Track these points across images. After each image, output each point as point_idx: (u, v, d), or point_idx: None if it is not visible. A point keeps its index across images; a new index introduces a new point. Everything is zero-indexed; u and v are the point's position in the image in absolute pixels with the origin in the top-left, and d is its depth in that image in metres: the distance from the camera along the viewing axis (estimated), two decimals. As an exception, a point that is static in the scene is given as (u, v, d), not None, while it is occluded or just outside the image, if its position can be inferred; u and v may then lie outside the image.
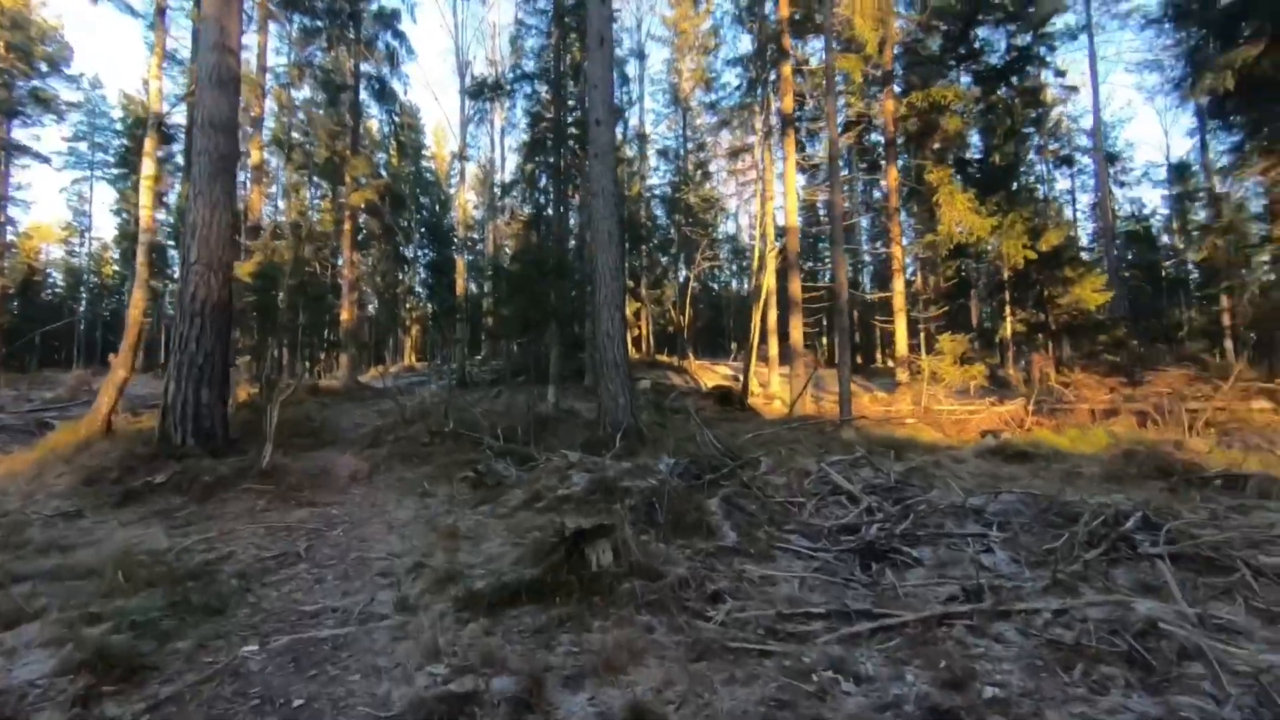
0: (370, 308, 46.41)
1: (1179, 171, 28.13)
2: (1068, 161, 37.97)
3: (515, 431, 10.74)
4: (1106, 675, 2.78)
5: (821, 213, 34.11)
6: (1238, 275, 17.49)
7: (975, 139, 22.28)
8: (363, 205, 27.15)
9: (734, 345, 42.37)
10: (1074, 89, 34.56)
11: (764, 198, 20.47)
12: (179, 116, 21.64)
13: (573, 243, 28.85)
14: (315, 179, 32.89)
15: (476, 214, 46.32)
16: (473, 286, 40.65)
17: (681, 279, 39.39)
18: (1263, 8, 12.86)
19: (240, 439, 9.52)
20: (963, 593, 3.76)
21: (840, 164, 13.88)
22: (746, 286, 46.79)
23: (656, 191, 41.77)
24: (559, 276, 12.58)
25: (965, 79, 17.13)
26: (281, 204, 40.06)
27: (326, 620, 4.03)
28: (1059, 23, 28.59)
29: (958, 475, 7.55)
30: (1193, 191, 44.68)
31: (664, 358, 31.20)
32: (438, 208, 49.20)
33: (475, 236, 41.42)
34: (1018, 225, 15.53)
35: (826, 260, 35.94)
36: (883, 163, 26.60)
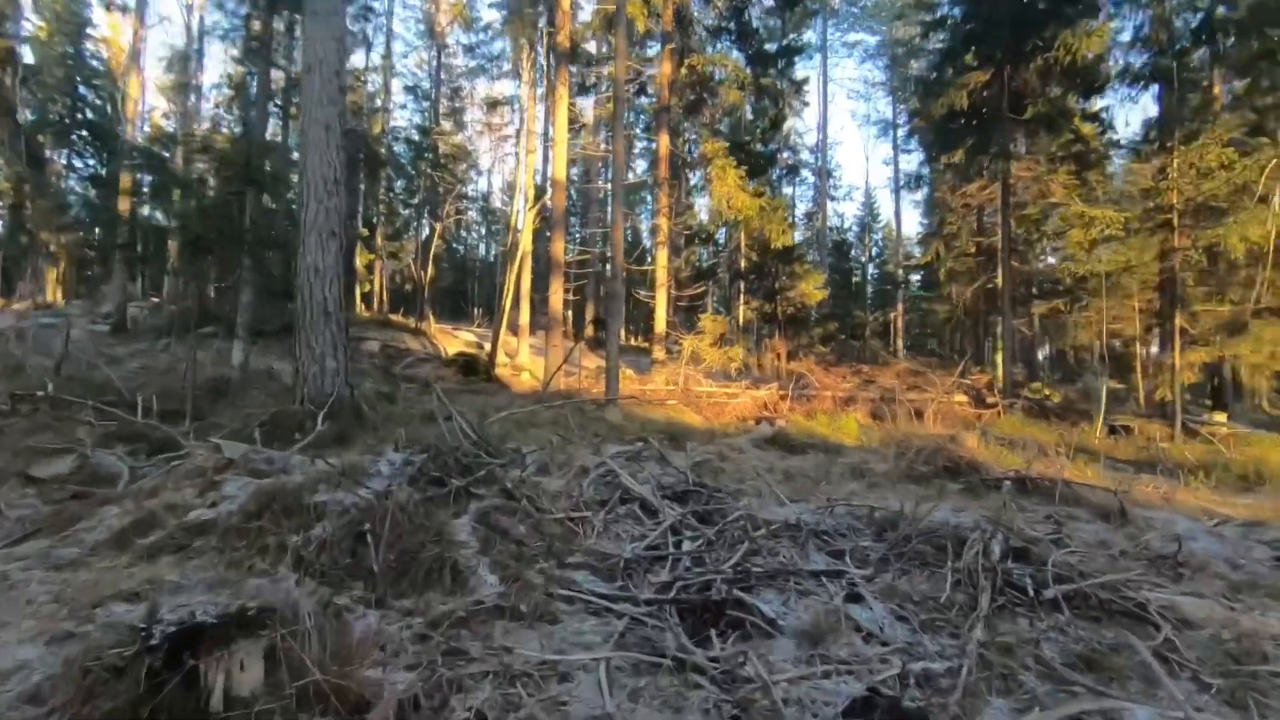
0: (-13, 222, 34.65)
1: (915, 182, 31.92)
2: (794, 170, 41.97)
3: (179, 403, 7.52)
4: None
5: (576, 176, 32.97)
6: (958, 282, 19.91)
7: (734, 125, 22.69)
8: (-36, 71, 19.49)
9: (478, 311, 39.80)
10: (806, 104, 37.93)
11: (527, 148, 18.45)
12: None
13: (296, 177, 23.84)
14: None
15: (167, 125, 37.18)
16: (160, 215, 32.13)
17: (425, 234, 35.52)
18: (983, 40, 14.26)
19: None
20: (877, 698, 2.37)
21: (623, 113, 12.49)
22: (495, 250, 44.19)
23: (401, 134, 37.21)
24: (255, 184, 9.27)
25: (739, 58, 16.97)
26: None
27: None
28: (802, 39, 30.84)
29: (744, 470, 6.54)
30: (876, 211, 52.76)
31: (399, 318, 27.59)
32: (109, 109, 38.36)
33: (165, 154, 32.95)
34: (780, 210, 15.72)
35: (575, 232, 34.99)
36: (641, 131, 26.17)
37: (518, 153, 20.43)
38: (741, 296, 28.88)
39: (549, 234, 14.77)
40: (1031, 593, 3.25)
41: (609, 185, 23.41)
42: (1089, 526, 4.65)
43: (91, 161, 35.04)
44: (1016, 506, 5.00)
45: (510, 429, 7.25)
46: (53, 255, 38.11)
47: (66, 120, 33.03)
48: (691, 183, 28.25)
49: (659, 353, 15.91)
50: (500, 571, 3.45)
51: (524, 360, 20.14)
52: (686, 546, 4.04)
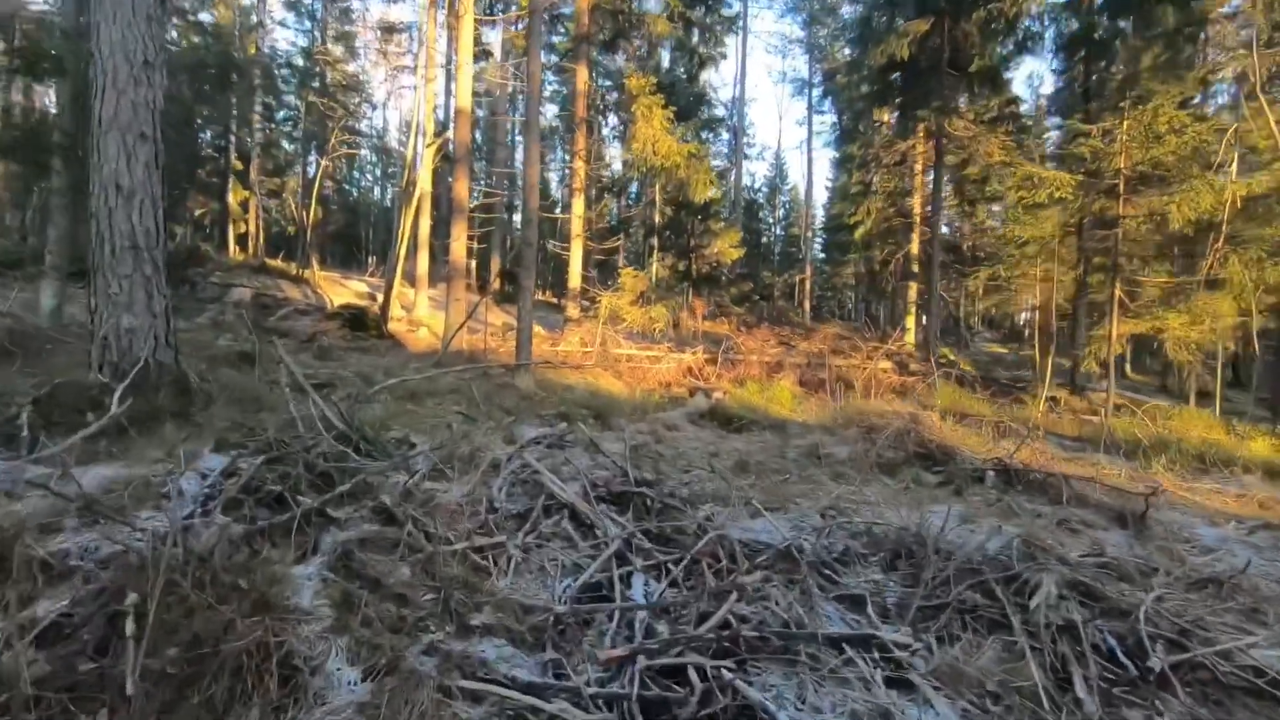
0: None
1: (843, 138, 31.42)
2: (710, 125, 40.87)
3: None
4: None
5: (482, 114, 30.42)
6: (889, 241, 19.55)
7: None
8: None
9: (372, 259, 36.80)
10: (724, 55, 36.55)
11: (426, 77, 16.28)
12: None
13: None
14: None
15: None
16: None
17: (314, 172, 32.04)
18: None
19: None
20: None
21: (539, 27, 10.71)
22: (392, 194, 40.77)
23: (283, 57, 33.24)
24: (60, 74, 7.07)
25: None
26: None
27: None
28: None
29: (689, 456, 5.50)
30: (785, 173, 52.96)
31: (279, 264, 24.61)
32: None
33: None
34: (706, 160, 14.59)
35: (480, 179, 32.44)
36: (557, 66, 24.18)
37: (416, 84, 18.13)
38: (655, 253, 27.85)
39: (451, 176, 13.00)
40: (1129, 664, 2.35)
41: (520, 119, 21.27)
42: (1110, 536, 3.91)
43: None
44: (1017, 508, 4.20)
45: (400, 405, 5.85)
46: None
47: None
48: (604, 131, 26.56)
49: (573, 310, 14.61)
50: (366, 658, 2.20)
51: (422, 314, 18.26)
52: (639, 587, 2.93)
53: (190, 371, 4.64)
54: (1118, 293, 9.61)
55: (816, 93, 42.89)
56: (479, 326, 14.27)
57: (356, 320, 13.67)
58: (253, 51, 29.98)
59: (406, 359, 11.37)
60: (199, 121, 27.63)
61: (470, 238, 14.33)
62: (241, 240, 29.16)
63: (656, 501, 3.91)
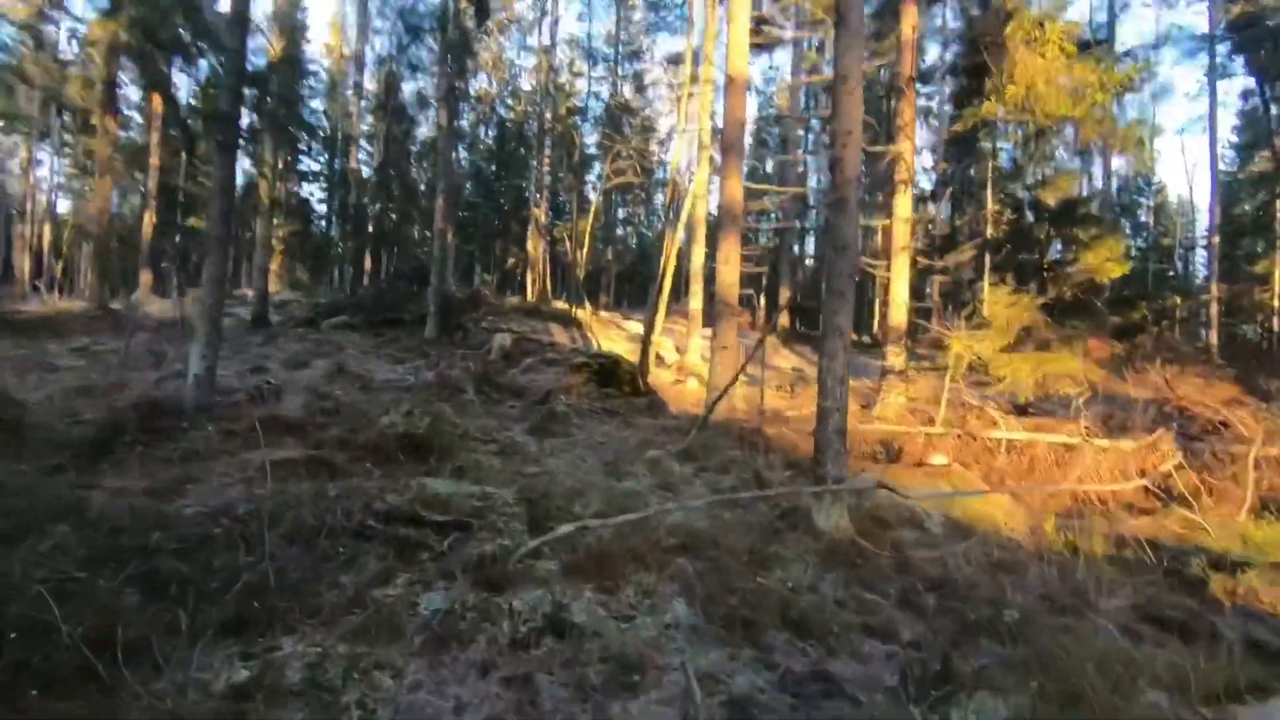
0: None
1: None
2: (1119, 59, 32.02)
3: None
4: None
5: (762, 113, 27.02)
6: None
7: None
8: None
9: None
10: None
11: (701, 69, 13.19)
12: None
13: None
14: None
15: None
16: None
17: (619, 217, 32.04)
18: None
19: None
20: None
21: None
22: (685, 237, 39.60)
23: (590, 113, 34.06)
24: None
25: None
26: None
27: None
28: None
29: None
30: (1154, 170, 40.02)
31: (560, 305, 23.74)
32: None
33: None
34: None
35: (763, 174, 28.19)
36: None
37: (683, 71, 15.16)
38: (986, 275, 21.23)
39: (726, 162, 9.38)
40: None
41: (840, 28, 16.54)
42: None
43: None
44: None
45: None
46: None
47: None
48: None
49: (895, 357, 9.87)
50: None
51: (694, 361, 14.99)
52: None
53: None
54: None
55: (1221, 49, 31.00)
56: (757, 376, 10.35)
57: (606, 373, 10.71)
58: (563, 111, 30.79)
59: (650, 435, 7.86)
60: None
61: (747, 258, 10.53)
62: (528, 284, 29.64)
63: None
